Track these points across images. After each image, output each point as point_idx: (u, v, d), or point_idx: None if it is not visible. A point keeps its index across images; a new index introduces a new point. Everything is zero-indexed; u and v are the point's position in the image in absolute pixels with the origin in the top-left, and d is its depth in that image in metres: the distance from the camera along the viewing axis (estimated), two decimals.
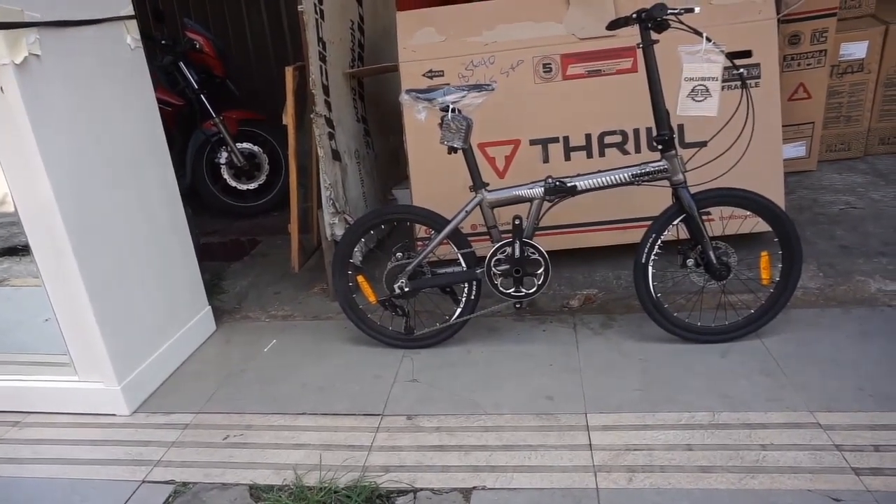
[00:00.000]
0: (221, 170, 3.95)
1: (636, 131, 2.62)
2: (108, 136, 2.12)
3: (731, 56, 2.01)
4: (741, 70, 1.99)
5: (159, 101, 3.70)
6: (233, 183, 3.99)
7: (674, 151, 2.06)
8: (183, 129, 3.93)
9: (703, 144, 2.31)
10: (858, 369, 2.01)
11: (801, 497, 1.55)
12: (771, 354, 2.14)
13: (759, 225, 2.15)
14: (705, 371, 2.09)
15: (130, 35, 2.22)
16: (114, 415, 2.15)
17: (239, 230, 3.87)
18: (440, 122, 2.12)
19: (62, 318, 2.05)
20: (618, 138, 2.63)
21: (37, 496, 1.81)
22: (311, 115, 2.60)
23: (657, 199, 2.18)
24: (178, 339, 2.43)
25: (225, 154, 3.89)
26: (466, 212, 2.22)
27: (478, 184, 2.19)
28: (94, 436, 2.06)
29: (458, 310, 2.34)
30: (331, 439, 1.94)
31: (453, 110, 2.10)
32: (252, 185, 4.03)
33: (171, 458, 1.92)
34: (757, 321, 2.22)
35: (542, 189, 2.15)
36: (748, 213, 2.13)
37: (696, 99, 1.99)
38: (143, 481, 1.83)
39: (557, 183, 2.13)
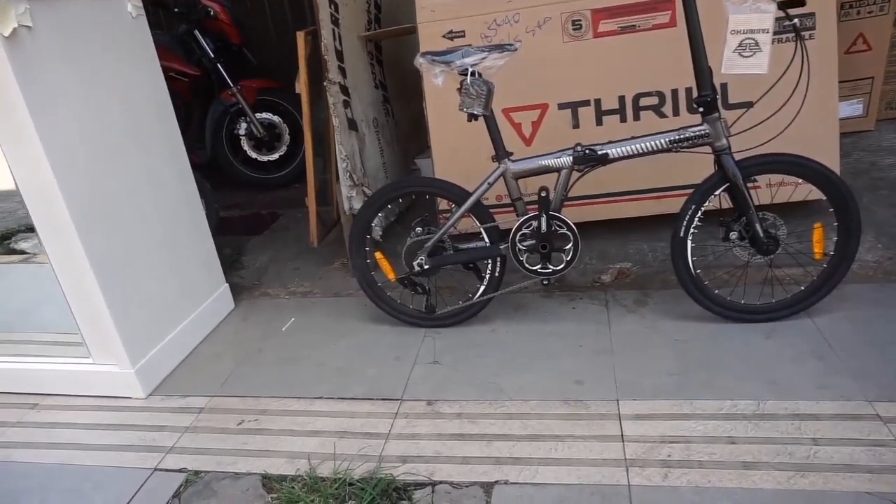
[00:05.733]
0: (241, 141, 3.85)
1: (674, 92, 2.41)
2: (111, 110, 2.03)
3: (783, 5, 1.79)
4: (795, 20, 1.77)
5: (175, 71, 3.67)
6: (253, 154, 3.89)
7: (717, 114, 1.86)
8: (201, 101, 3.84)
9: (749, 105, 2.11)
10: None
11: (858, 500, 1.39)
12: (822, 335, 1.96)
13: (814, 192, 1.94)
14: (749, 354, 1.92)
15: (131, 3, 2.10)
16: (129, 398, 2.10)
17: (260, 203, 3.79)
18: (459, 86, 1.96)
19: (72, 299, 1.99)
20: (654, 100, 2.42)
21: (49, 484, 1.77)
22: (325, 83, 2.46)
23: (697, 166, 1.99)
24: (194, 318, 2.37)
25: (244, 125, 3.78)
26: (489, 184, 2.07)
27: (500, 153, 2.04)
28: (109, 419, 2.02)
29: (482, 287, 2.22)
30: (347, 426, 1.85)
31: (473, 74, 1.94)
32: (273, 157, 3.92)
33: (185, 444, 1.86)
34: (807, 299, 2.03)
35: (571, 158, 1.98)
36: (800, 180, 1.93)
37: (744, 54, 1.78)
38: (156, 469, 1.77)
39: (587, 151, 1.96)
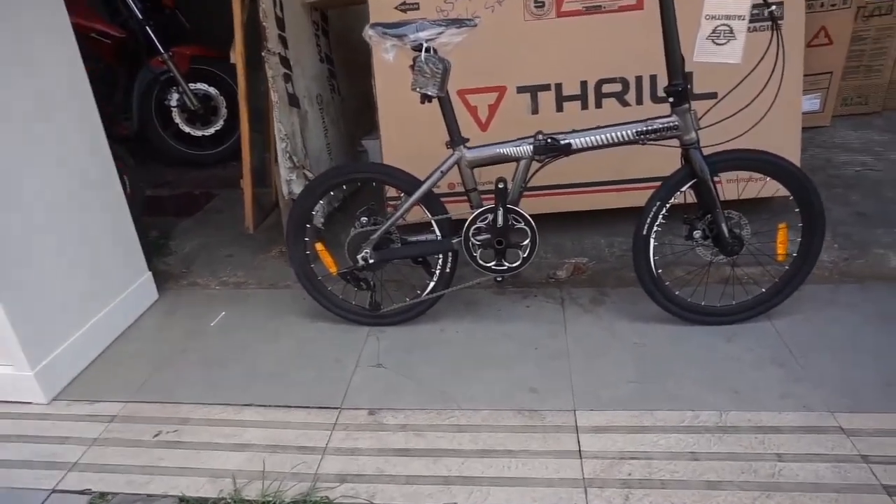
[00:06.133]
0: (173, 113, 3.54)
1: (638, 79, 2.28)
2: (5, 71, 1.74)
3: None
4: (772, 7, 1.65)
5: (97, 32, 3.32)
6: (186, 128, 3.58)
7: (687, 105, 1.74)
8: (127, 67, 3.50)
9: (714, 96, 2.02)
10: (881, 359, 1.78)
11: None
12: (782, 339, 1.90)
13: (783, 189, 1.86)
14: (709, 359, 1.84)
15: None
16: (29, 403, 1.85)
17: (193, 182, 3.49)
18: (412, 63, 1.77)
19: None
20: (617, 87, 2.30)
21: None
22: (263, 53, 2.22)
23: (658, 158, 1.87)
24: (109, 311, 2.12)
25: (176, 95, 3.47)
26: (442, 172, 1.90)
27: (456, 139, 1.86)
28: (2, 429, 1.77)
29: (432, 283, 2.05)
30: (279, 438, 1.66)
31: (427, 50, 1.75)
32: (208, 131, 3.63)
33: (91, 459, 1.64)
34: (768, 301, 1.96)
35: (531, 147, 1.83)
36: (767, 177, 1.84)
37: (718, 42, 1.66)
38: (54, 490, 1.54)
39: (549, 140, 1.81)
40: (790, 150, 2.23)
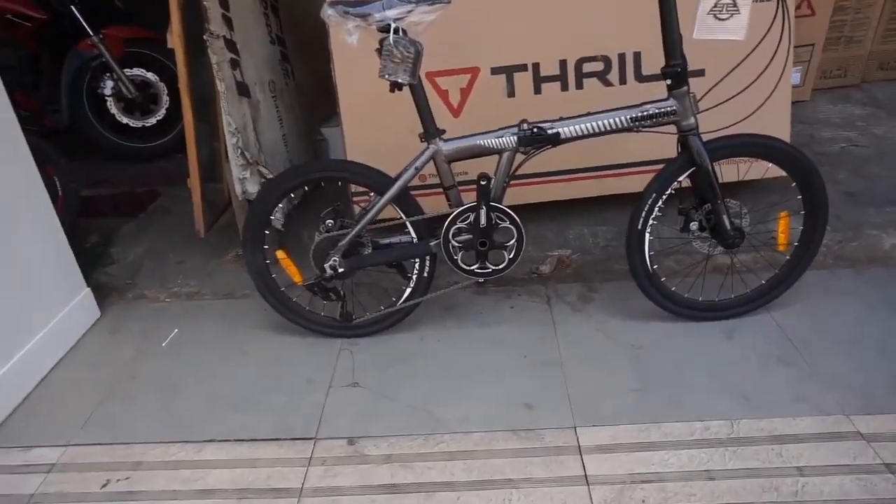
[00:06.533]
0: (108, 103, 3.20)
1: (621, 57, 2.11)
2: None
3: None
4: None
5: (13, 13, 2.96)
6: (124, 119, 3.25)
7: (685, 88, 1.58)
8: (52, 52, 3.15)
9: (701, 74, 1.89)
10: (888, 352, 1.69)
11: None
12: (785, 334, 1.79)
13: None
14: (712, 360, 1.72)
15: None
16: None
17: (135, 178, 3.17)
18: (378, 47, 1.56)
19: None
20: (599, 66, 2.12)
21: None
22: (205, 37, 1.97)
23: (646, 142, 1.70)
24: (43, 338, 1.86)
25: (110, 83, 3.13)
26: (416, 168, 1.70)
27: (430, 131, 1.66)
28: None
29: (408, 290, 1.87)
30: (248, 480, 1.47)
31: (396, 31, 1.53)
32: (149, 121, 3.31)
33: None
34: (769, 293, 1.86)
35: (515, 138, 1.65)
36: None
37: (720, 16, 1.50)
38: None
39: (535, 130, 1.63)
40: (782, 130, 2.12)
